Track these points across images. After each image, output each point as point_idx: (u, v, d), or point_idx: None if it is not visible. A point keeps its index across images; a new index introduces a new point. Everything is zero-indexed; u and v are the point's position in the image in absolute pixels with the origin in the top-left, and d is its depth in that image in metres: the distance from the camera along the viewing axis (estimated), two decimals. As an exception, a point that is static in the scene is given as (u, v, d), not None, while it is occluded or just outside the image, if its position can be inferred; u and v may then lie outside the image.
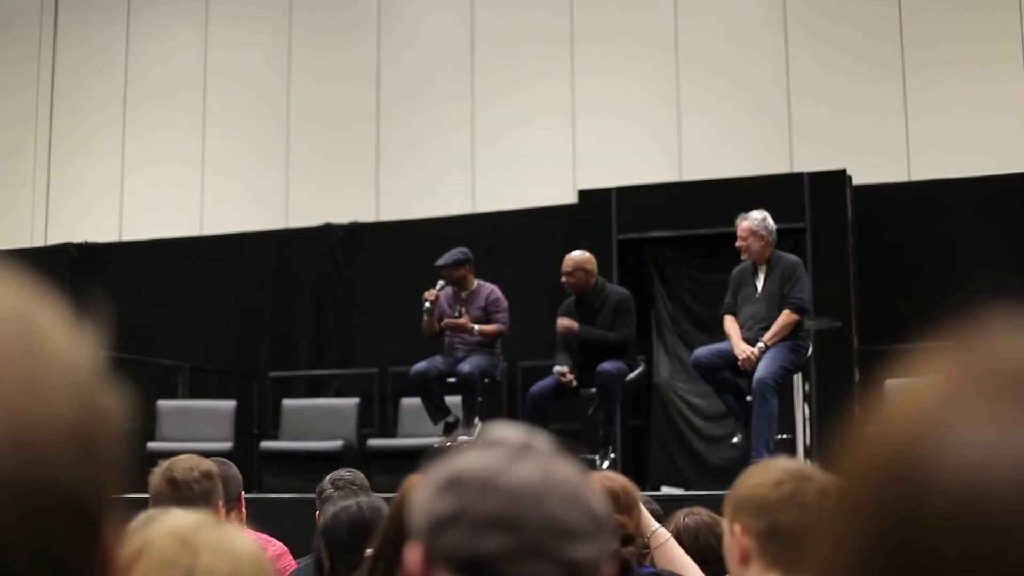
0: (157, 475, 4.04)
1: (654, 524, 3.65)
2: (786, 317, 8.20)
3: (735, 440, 8.46)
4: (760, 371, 7.99)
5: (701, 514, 4.26)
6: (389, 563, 2.31)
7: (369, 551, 2.81)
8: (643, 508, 3.62)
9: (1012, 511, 0.53)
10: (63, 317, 0.67)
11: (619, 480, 3.56)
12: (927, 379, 0.60)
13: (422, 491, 1.29)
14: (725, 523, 2.58)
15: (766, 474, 2.50)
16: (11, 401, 0.62)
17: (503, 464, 1.25)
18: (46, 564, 0.62)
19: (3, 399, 0.62)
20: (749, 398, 8.22)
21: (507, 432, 1.31)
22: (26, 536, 0.62)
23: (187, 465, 4.05)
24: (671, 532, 4.11)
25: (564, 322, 8.81)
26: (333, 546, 3.38)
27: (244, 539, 1.80)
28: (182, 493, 3.89)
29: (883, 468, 0.59)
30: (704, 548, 4.07)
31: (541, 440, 1.30)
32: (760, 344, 8.10)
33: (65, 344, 0.66)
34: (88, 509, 0.65)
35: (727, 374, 8.26)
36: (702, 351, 8.37)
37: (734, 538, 2.49)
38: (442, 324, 9.22)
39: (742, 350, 8.11)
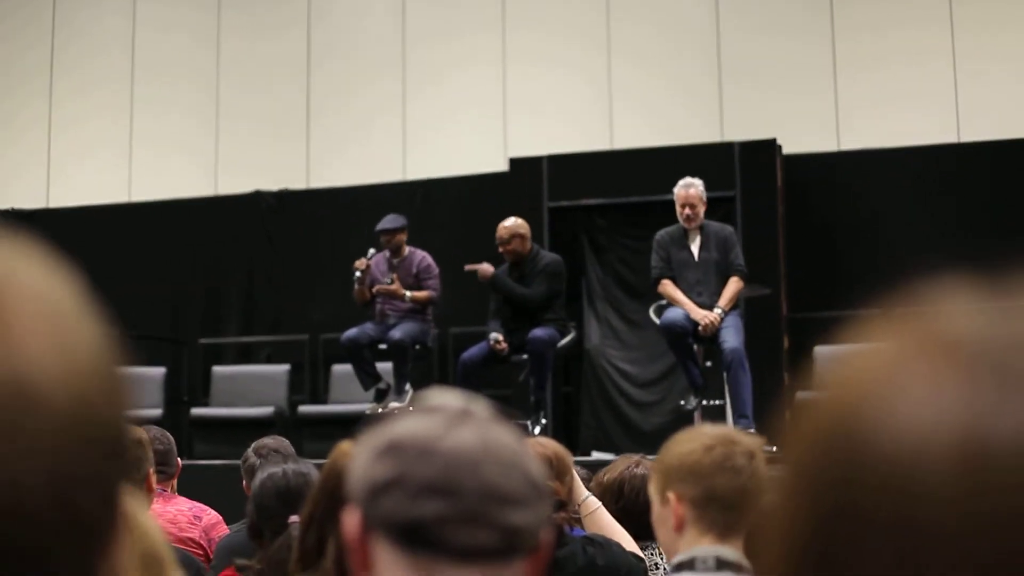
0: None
1: (584, 492, 3.66)
2: (736, 284, 8.25)
3: (691, 406, 8.47)
4: (731, 341, 7.98)
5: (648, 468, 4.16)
6: (321, 529, 2.30)
7: (294, 518, 2.80)
8: (575, 475, 3.63)
9: (949, 477, 0.54)
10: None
11: (552, 446, 3.57)
12: (869, 347, 0.60)
13: (360, 456, 1.28)
14: (653, 492, 2.53)
15: (694, 440, 2.48)
16: (62, 339, 0.64)
17: (441, 430, 1.25)
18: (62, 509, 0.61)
19: (55, 337, 0.63)
20: (708, 364, 8.30)
21: (445, 398, 1.31)
22: (80, 467, 0.61)
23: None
24: (614, 479, 4.09)
25: (477, 266, 8.82)
26: (261, 513, 3.37)
27: None
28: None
29: (824, 437, 0.59)
30: (643, 505, 3.98)
31: (479, 406, 1.30)
32: (718, 310, 8.12)
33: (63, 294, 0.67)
34: (122, 445, 0.65)
35: (691, 340, 8.27)
36: (675, 315, 8.17)
37: (667, 507, 2.46)
38: (374, 291, 9.19)
39: (703, 315, 8.11)
